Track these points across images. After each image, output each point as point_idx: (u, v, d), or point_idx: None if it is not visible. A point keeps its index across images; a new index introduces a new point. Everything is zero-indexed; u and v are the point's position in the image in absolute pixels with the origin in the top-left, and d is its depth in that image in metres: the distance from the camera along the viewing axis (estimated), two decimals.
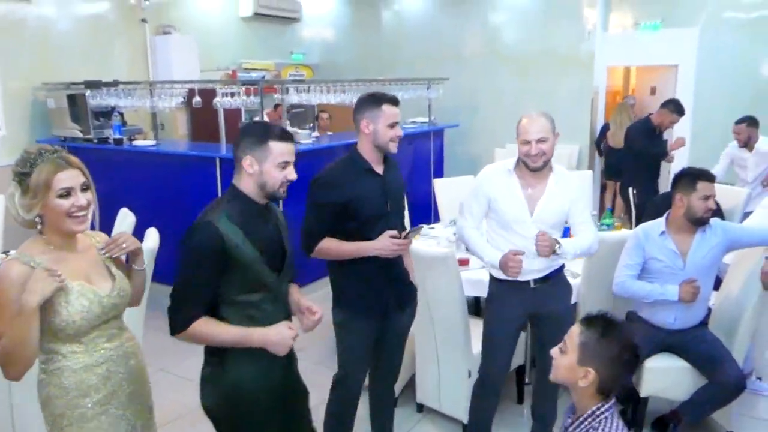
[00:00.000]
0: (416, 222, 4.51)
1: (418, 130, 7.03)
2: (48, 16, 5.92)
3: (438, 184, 5.19)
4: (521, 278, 2.82)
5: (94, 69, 6.07)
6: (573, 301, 3.39)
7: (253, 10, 7.87)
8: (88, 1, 6.31)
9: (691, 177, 3.05)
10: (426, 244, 3.79)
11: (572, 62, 7.43)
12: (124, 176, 5.38)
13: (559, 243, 2.77)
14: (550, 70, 7.59)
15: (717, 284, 3.57)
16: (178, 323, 1.93)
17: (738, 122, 5.22)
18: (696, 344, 3.08)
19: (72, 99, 5.71)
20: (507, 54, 7.88)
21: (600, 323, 1.72)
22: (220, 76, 7.25)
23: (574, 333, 1.74)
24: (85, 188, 1.80)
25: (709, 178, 3.04)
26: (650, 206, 4.12)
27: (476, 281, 3.41)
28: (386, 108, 2.58)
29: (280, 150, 2.01)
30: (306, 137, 5.48)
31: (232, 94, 5.00)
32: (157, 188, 5.27)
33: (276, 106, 6.05)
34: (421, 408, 3.57)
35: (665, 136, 5.63)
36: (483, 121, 8.11)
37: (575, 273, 3.49)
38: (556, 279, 2.95)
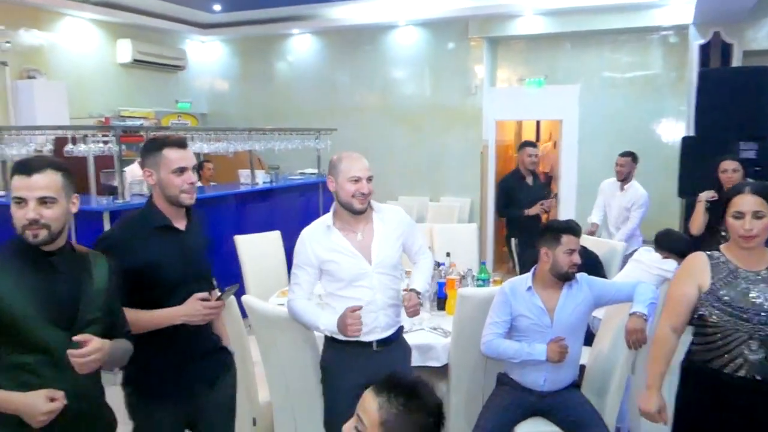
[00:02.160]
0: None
1: (306, 181, 6.79)
2: None
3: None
4: (364, 338, 2.58)
5: None
6: (444, 362, 3.21)
7: (131, 57, 7.49)
8: None
9: (555, 230, 2.93)
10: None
11: (461, 116, 7.50)
12: None
13: (417, 291, 2.62)
14: (440, 124, 7.64)
15: (591, 340, 3.47)
16: None
17: (623, 155, 5.29)
18: (565, 408, 2.89)
19: None
20: (397, 107, 7.89)
21: (400, 392, 1.42)
22: (93, 123, 6.80)
23: (370, 408, 1.43)
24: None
25: (574, 231, 2.93)
26: (529, 258, 4.02)
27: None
28: (167, 152, 2.14)
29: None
30: None
31: (74, 141, 4.59)
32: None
33: None
34: None
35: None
36: (375, 174, 7.96)
37: (447, 331, 3.28)
38: (398, 340, 2.74)
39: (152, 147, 2.19)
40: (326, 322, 2.53)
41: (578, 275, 2.96)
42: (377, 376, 2.54)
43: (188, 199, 2.19)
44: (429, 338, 3.27)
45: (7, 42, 6.30)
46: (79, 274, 1.84)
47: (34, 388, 1.70)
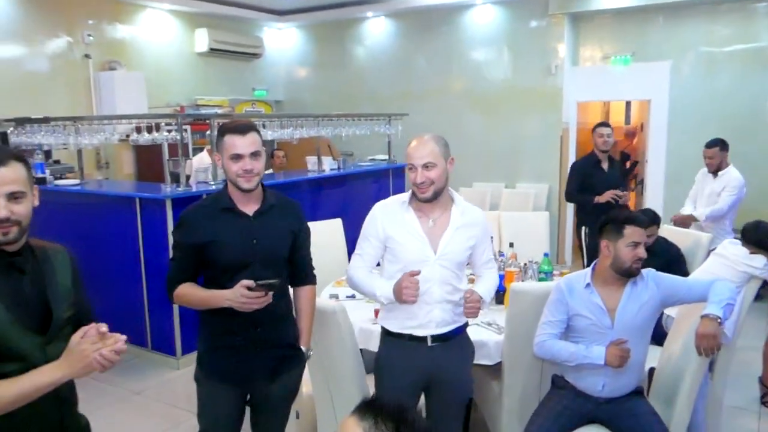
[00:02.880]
0: None
1: (376, 168, 6.67)
2: None
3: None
4: (417, 332, 2.44)
5: (35, 105, 5.76)
6: (497, 360, 3.00)
7: (208, 46, 7.60)
8: (28, 38, 6.06)
9: (618, 222, 2.64)
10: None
11: (540, 98, 7.12)
12: (47, 217, 5.01)
13: (483, 299, 2.45)
14: (517, 106, 7.29)
15: (663, 339, 3.14)
16: None
17: (709, 145, 4.84)
18: (626, 417, 2.61)
19: (3, 137, 5.39)
20: (473, 90, 7.60)
21: (387, 417, 1.22)
22: (170, 111, 6.98)
23: None
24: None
25: (639, 222, 2.62)
26: (598, 250, 3.70)
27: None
28: (228, 139, 2.20)
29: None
30: None
31: (149, 129, 4.67)
32: (79, 229, 4.90)
33: None
34: None
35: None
36: None
37: (502, 327, 3.06)
38: (458, 338, 2.54)
39: (219, 133, 2.26)
40: (383, 290, 2.41)
41: (644, 271, 2.66)
42: (431, 373, 2.40)
43: (245, 184, 2.19)
44: (482, 334, 3.06)
45: (90, 35, 6.54)
46: (43, 272, 1.70)
47: None
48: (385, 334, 2.54)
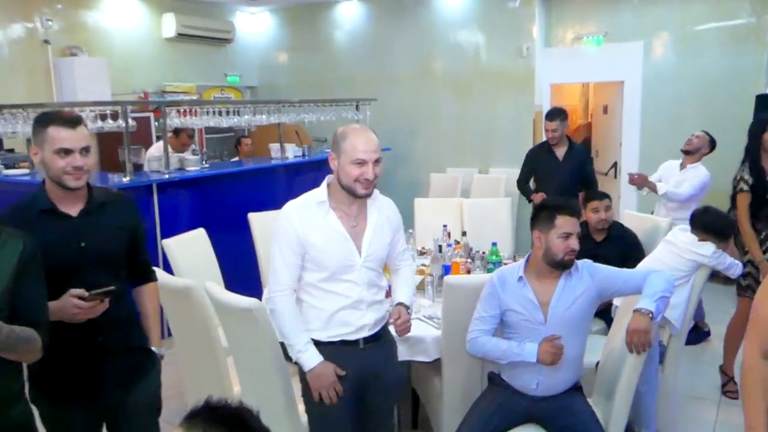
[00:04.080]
0: None
1: None
2: None
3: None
4: (350, 337, 2.31)
5: None
6: (435, 356, 2.89)
7: (176, 31, 7.41)
8: None
9: (550, 211, 2.52)
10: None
11: (512, 81, 6.96)
12: None
13: (406, 306, 2.39)
14: (489, 89, 7.13)
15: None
16: None
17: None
18: (562, 415, 2.50)
19: None
20: (446, 73, 7.43)
21: (216, 423, 1.12)
22: (134, 98, 6.83)
23: None
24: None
25: (571, 211, 2.50)
26: None
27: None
28: (53, 131, 1.95)
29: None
30: (194, 163, 4.97)
31: (106, 117, 4.54)
32: None
33: (177, 131, 5.55)
34: None
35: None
36: (420, 145, 7.65)
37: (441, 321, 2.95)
38: (385, 336, 2.44)
39: (38, 123, 2.00)
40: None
41: (579, 262, 2.55)
42: (365, 376, 2.28)
43: (73, 182, 1.97)
44: (420, 329, 2.95)
45: (50, 21, 6.36)
46: None
47: None
48: (315, 344, 2.31)
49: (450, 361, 2.87)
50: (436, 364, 2.96)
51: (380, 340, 2.39)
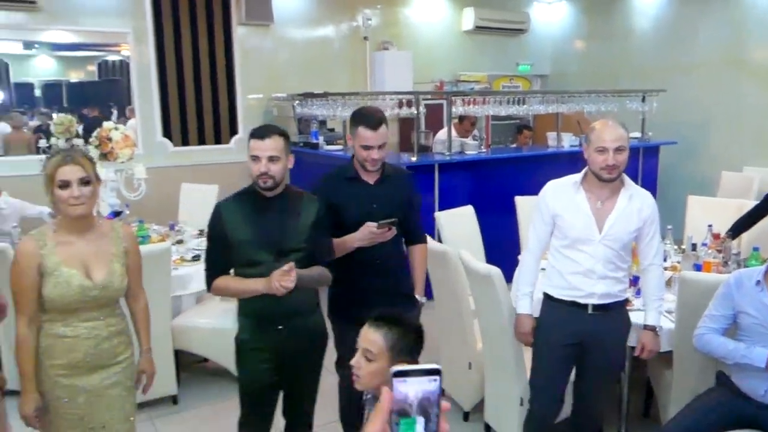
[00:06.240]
0: None
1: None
2: (282, 39, 6.96)
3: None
4: (580, 300, 2.65)
5: (322, 83, 6.71)
6: (667, 348, 2.98)
7: (474, 24, 8.03)
8: (318, 24, 7.20)
9: None
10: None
11: None
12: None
13: (653, 328, 2.75)
14: None
15: None
16: (206, 283, 2.47)
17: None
18: None
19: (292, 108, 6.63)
20: (754, 62, 6.75)
21: (393, 323, 1.83)
22: (431, 88, 7.64)
23: (375, 339, 1.81)
24: (85, 182, 2.16)
25: None
26: None
27: None
28: (361, 131, 2.62)
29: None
30: (473, 147, 5.52)
31: (407, 104, 5.34)
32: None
33: (461, 118, 6.16)
34: (488, 429, 3.42)
35: None
36: (713, 140, 7.10)
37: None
38: (617, 310, 2.71)
39: (352, 119, 2.71)
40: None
41: None
42: (587, 337, 2.63)
43: (371, 167, 2.67)
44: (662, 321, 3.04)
45: (369, 20, 7.47)
46: (289, 213, 2.41)
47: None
48: (547, 298, 2.76)
49: (681, 355, 2.93)
50: (670, 357, 3.03)
51: (610, 312, 2.66)
